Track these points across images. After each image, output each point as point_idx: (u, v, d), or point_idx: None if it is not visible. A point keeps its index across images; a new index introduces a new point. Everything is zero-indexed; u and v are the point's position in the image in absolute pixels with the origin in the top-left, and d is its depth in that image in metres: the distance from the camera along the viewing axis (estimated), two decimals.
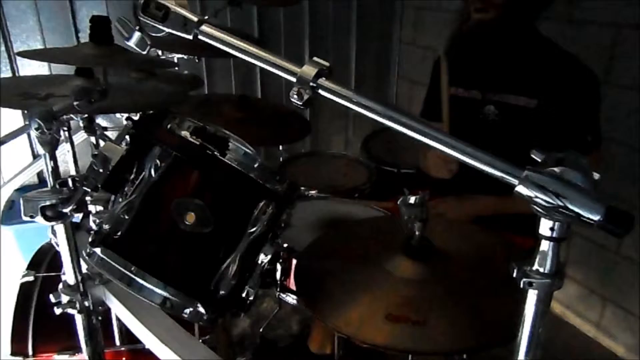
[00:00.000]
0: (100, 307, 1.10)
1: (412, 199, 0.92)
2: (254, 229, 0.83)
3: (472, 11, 1.39)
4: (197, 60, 2.40)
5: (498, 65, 1.49)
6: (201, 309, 0.81)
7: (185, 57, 2.21)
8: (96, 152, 0.84)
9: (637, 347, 2.08)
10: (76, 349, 1.42)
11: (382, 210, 1.47)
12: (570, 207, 0.51)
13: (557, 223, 0.54)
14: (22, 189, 2.48)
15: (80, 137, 1.78)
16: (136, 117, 0.88)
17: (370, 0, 3.13)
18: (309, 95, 0.64)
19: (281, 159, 2.19)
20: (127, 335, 1.45)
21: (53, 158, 0.92)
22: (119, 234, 0.83)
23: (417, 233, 0.95)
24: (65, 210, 0.88)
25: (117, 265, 0.82)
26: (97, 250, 0.83)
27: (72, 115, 1.32)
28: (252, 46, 0.68)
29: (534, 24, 1.45)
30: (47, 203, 0.87)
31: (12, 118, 2.09)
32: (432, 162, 1.54)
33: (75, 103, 0.93)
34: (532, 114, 1.42)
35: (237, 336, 1.49)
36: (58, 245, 0.99)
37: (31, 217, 0.87)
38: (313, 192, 1.65)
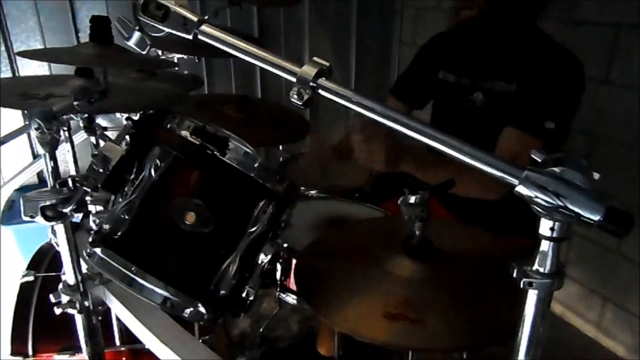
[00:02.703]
0: (100, 307, 1.10)
1: (412, 199, 0.92)
2: (254, 228, 0.83)
3: (459, 8, 1.43)
4: (197, 60, 2.40)
5: (487, 53, 1.51)
6: (201, 309, 0.81)
7: (185, 57, 2.21)
8: (96, 152, 0.84)
9: (637, 347, 2.08)
10: (76, 349, 1.42)
11: (382, 210, 1.47)
12: (570, 207, 0.52)
13: (557, 223, 0.54)
14: (22, 189, 2.49)
15: (80, 137, 1.78)
16: (136, 117, 0.88)
17: (370, 0, 3.13)
18: (309, 95, 0.64)
19: (281, 159, 2.19)
20: (127, 335, 1.46)
21: (53, 158, 0.92)
22: (119, 234, 0.83)
23: (417, 233, 0.95)
24: (65, 210, 0.88)
25: (117, 265, 0.82)
26: (97, 250, 0.83)
27: (72, 115, 1.32)
28: (252, 46, 0.68)
29: (533, 19, 1.47)
30: (47, 203, 0.87)
31: (12, 118, 2.09)
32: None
33: (75, 103, 0.93)
34: (512, 99, 1.43)
35: (237, 336, 1.49)
36: (58, 245, 0.99)
37: (31, 217, 0.87)
38: (313, 192, 1.65)
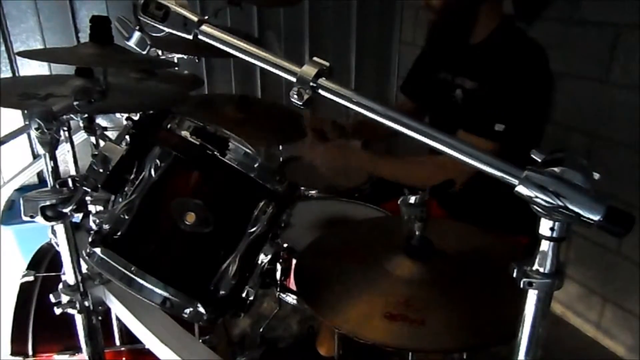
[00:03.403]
0: (100, 307, 1.10)
1: (412, 199, 0.92)
2: (254, 229, 0.83)
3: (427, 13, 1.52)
4: (197, 60, 2.40)
5: (466, 51, 1.54)
6: (201, 309, 0.81)
7: (185, 57, 2.21)
8: (96, 152, 0.84)
9: (637, 347, 2.08)
10: (76, 349, 1.42)
11: (382, 210, 1.47)
12: (570, 207, 0.51)
13: (557, 223, 0.54)
14: (22, 189, 2.49)
15: (80, 137, 1.78)
16: (136, 117, 0.88)
17: (370, 0, 3.13)
18: (309, 95, 0.64)
19: (281, 159, 2.19)
20: (127, 335, 1.45)
21: (53, 158, 0.92)
22: (119, 234, 0.83)
23: (417, 233, 0.95)
24: (65, 210, 0.88)
25: (117, 265, 0.82)
26: (97, 250, 0.83)
27: (72, 115, 1.32)
28: (252, 46, 0.68)
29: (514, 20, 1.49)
30: (47, 203, 0.87)
31: (12, 118, 2.09)
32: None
33: (75, 103, 0.93)
34: (475, 97, 1.46)
35: (237, 336, 1.49)
36: (58, 245, 0.99)
37: (31, 217, 0.87)
38: (313, 192, 1.65)
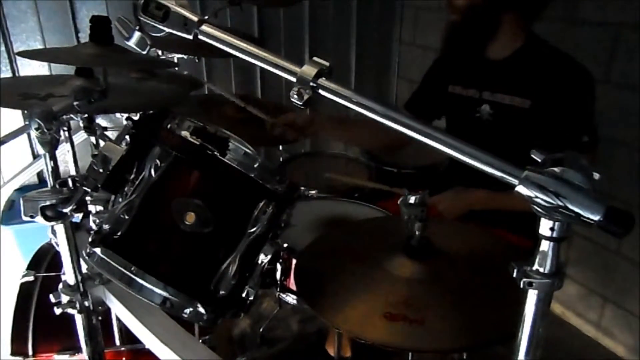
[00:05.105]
0: (100, 307, 1.10)
1: (412, 199, 0.92)
2: (254, 229, 0.83)
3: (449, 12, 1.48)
4: (197, 60, 2.40)
5: (493, 65, 1.50)
6: (201, 309, 0.81)
7: (185, 57, 2.21)
8: (96, 152, 0.84)
9: (637, 347, 2.08)
10: (76, 349, 1.42)
11: (382, 210, 1.47)
12: (570, 207, 0.51)
13: (557, 223, 0.54)
14: (22, 189, 2.49)
15: (80, 137, 1.79)
16: (136, 117, 0.88)
17: (370, 1, 3.13)
18: (309, 95, 0.64)
19: (281, 159, 2.19)
20: (127, 335, 1.45)
21: (53, 158, 0.92)
22: (119, 234, 0.83)
23: (417, 233, 0.95)
24: (65, 210, 0.88)
25: (117, 265, 0.82)
26: (97, 250, 0.83)
27: (72, 115, 1.32)
28: (252, 46, 0.68)
29: (530, 25, 1.47)
30: (47, 203, 0.87)
31: (12, 118, 2.09)
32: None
33: (75, 103, 0.93)
34: (525, 114, 1.43)
35: (237, 336, 1.49)
36: (58, 245, 0.99)
37: (31, 217, 0.87)
38: (313, 192, 1.65)
